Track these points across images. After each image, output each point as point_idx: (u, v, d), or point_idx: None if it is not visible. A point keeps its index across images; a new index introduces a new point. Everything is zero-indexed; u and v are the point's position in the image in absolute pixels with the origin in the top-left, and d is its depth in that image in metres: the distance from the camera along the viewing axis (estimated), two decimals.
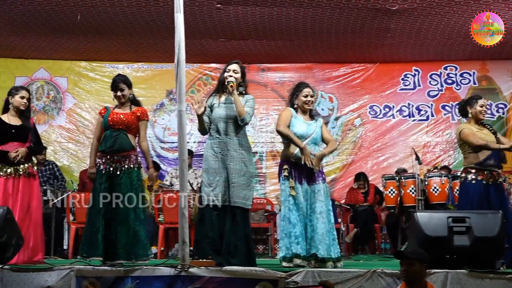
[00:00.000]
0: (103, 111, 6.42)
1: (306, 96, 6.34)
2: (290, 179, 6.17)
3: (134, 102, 6.46)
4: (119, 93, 6.33)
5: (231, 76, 6.16)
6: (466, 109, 6.80)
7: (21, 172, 6.61)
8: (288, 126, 6.23)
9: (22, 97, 6.74)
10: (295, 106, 6.41)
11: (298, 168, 6.20)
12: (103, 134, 6.35)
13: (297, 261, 6.05)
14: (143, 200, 6.28)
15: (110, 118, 6.26)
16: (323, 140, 6.41)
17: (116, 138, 6.21)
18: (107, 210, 6.11)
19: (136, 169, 6.25)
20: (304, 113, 6.41)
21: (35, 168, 6.80)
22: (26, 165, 6.64)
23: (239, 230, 6.06)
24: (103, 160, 6.22)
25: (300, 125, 6.26)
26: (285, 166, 6.24)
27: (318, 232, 6.09)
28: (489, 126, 6.80)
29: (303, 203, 6.14)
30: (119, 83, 6.35)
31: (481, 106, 6.69)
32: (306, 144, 6.16)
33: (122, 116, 6.27)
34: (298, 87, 6.44)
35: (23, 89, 6.90)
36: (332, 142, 6.50)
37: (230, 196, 6.05)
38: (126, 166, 6.20)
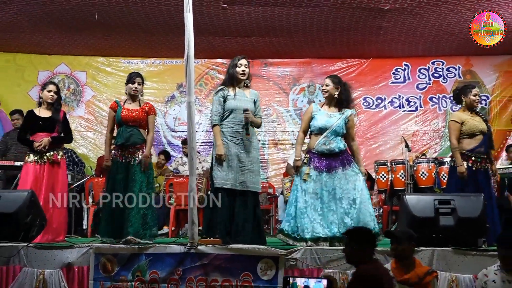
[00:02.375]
0: (114, 106, 6.45)
1: (322, 85, 6.37)
2: (308, 167, 6.16)
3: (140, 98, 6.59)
4: (136, 85, 6.41)
5: (244, 71, 6.21)
6: (460, 97, 6.76)
7: (46, 160, 6.66)
8: (310, 121, 6.26)
9: (49, 91, 6.80)
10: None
11: (319, 158, 6.17)
12: (116, 128, 6.45)
13: (281, 236, 6.16)
14: (153, 186, 6.52)
15: (123, 115, 6.34)
16: (345, 135, 6.31)
17: (131, 134, 6.34)
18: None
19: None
20: (329, 104, 6.33)
21: (60, 156, 6.79)
22: (51, 153, 6.68)
23: (249, 212, 6.05)
24: (120, 152, 6.33)
25: (321, 118, 6.21)
26: (307, 155, 6.24)
27: (337, 214, 6.02)
28: (481, 115, 6.77)
29: (318, 189, 6.08)
30: (137, 77, 6.48)
31: (475, 95, 6.65)
32: (326, 137, 6.15)
33: (134, 114, 6.36)
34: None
35: (51, 84, 6.97)
36: (355, 146, 6.39)
37: (244, 181, 6.04)
38: (139, 157, 6.31)
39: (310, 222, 6.01)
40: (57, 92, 6.87)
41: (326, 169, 6.13)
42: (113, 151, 6.40)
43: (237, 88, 6.22)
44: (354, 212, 6.04)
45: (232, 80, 6.25)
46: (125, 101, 6.49)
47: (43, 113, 6.80)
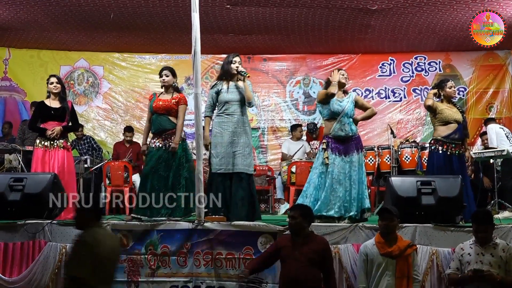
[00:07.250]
0: (150, 98, 6.51)
1: (342, 75, 6.28)
2: (326, 151, 6.08)
3: (176, 89, 6.51)
4: (163, 77, 6.42)
5: (237, 67, 6.21)
6: (438, 92, 6.75)
7: (56, 146, 6.70)
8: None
9: (51, 83, 6.87)
10: None
11: (336, 142, 6.12)
12: (151, 116, 6.43)
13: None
14: (188, 168, 6.28)
15: (154, 105, 6.37)
16: (361, 108, 6.40)
17: (160, 121, 6.31)
18: (159, 178, 6.15)
19: (180, 143, 6.28)
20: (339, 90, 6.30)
21: (69, 143, 6.90)
22: (61, 140, 6.74)
23: (243, 191, 6.05)
24: (155, 139, 6.31)
25: (333, 103, 6.16)
26: (325, 140, 6.16)
27: (352, 196, 6.00)
28: (458, 106, 6.78)
29: (336, 172, 6.02)
30: (164, 70, 6.49)
31: (450, 88, 6.66)
32: (340, 121, 6.09)
33: (161, 103, 6.33)
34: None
35: (52, 76, 7.02)
36: (370, 109, 6.43)
37: (236, 164, 6.05)
38: (170, 142, 6.24)
39: (327, 202, 5.97)
40: (59, 82, 6.91)
41: (343, 153, 6.09)
42: (150, 139, 6.39)
43: (230, 82, 6.24)
44: (356, 191, 6.04)
45: (227, 75, 6.28)
46: (161, 93, 6.51)
47: (54, 103, 6.84)
